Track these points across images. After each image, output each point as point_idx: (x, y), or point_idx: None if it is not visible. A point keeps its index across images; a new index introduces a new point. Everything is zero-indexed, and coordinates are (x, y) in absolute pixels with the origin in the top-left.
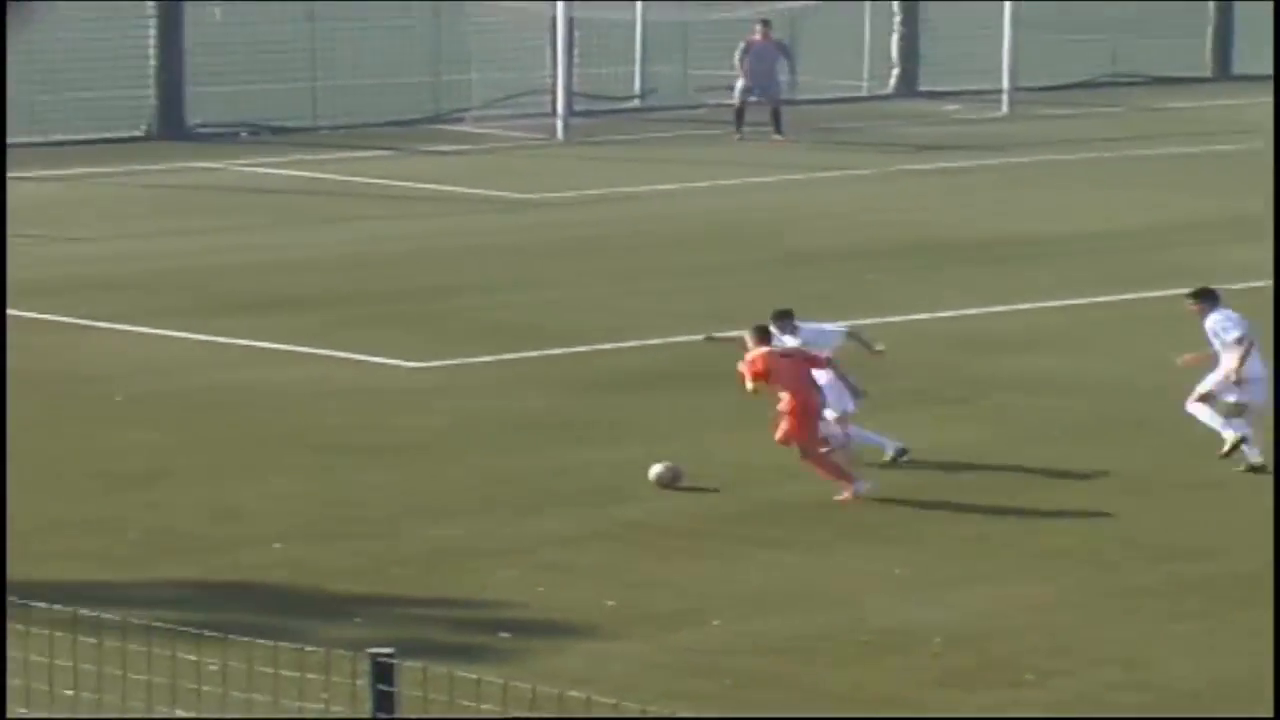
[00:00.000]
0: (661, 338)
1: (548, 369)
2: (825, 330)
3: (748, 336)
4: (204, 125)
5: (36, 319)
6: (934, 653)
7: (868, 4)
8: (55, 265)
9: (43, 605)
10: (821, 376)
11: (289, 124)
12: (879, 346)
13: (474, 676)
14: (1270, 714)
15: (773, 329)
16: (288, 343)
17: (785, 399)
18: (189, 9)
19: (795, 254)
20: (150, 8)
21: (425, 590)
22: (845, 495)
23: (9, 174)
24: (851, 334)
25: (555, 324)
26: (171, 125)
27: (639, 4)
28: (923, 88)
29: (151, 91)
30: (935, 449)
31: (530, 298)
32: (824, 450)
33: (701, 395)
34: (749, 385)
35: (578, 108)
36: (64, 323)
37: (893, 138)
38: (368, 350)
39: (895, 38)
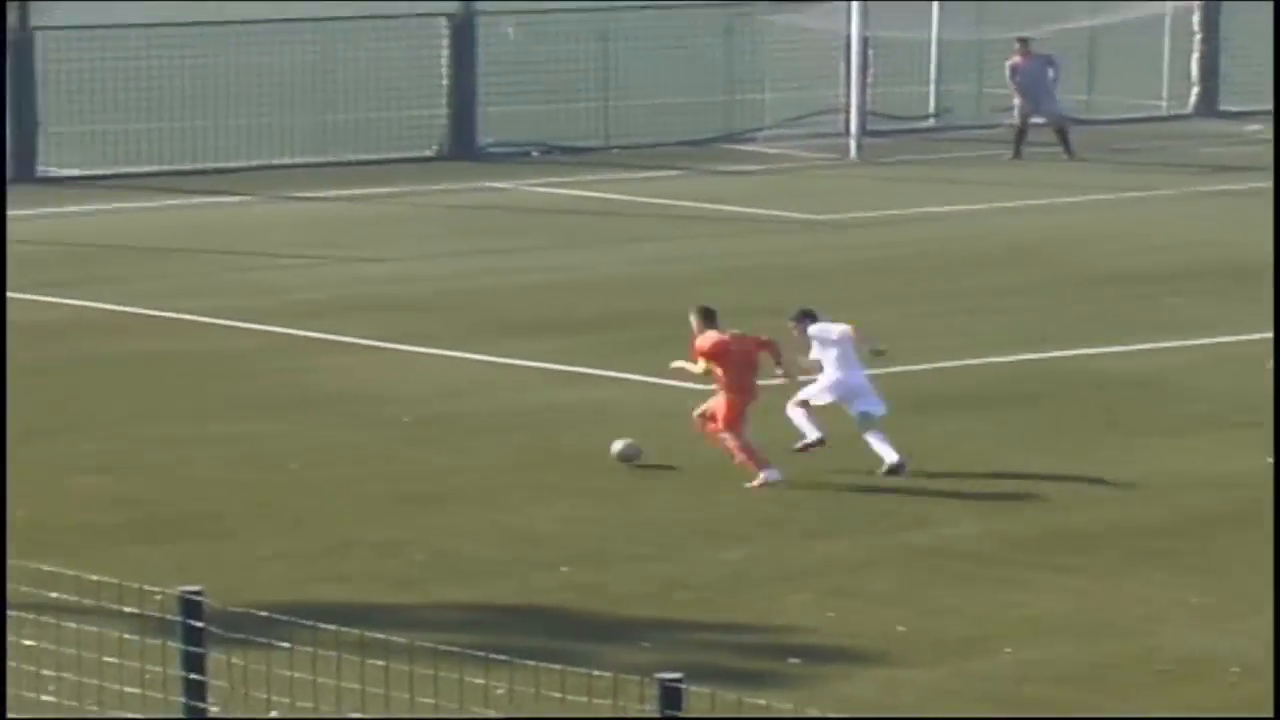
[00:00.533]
0: (958, 360)
1: None
2: (829, 328)
3: (694, 318)
4: (495, 144)
5: (325, 339)
6: (1230, 683)
7: (1167, 22)
8: (344, 286)
9: (331, 628)
10: (831, 371)
11: (580, 144)
12: (881, 346)
13: (763, 702)
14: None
15: (793, 326)
16: (576, 364)
17: (724, 378)
18: (482, 27)
19: (1094, 275)
20: (443, 26)
21: (713, 614)
22: (757, 483)
23: (303, 192)
24: (854, 334)
25: None
26: (463, 144)
27: (934, 22)
28: (1223, 107)
29: (443, 111)
30: (1233, 473)
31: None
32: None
33: (997, 418)
34: (698, 366)
35: (871, 127)
36: (353, 343)
37: (1192, 158)
38: (655, 372)
39: (1195, 56)
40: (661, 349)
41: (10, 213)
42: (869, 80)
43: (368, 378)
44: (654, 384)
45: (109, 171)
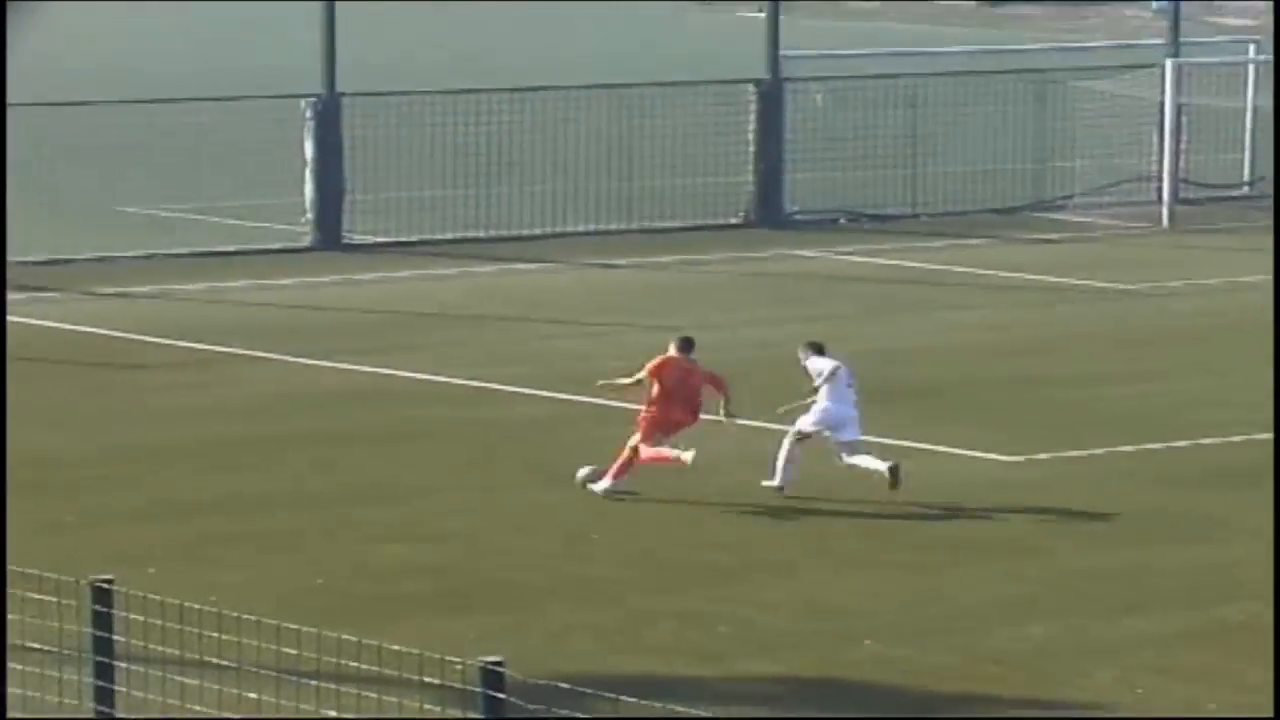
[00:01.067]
0: (1270, 432)
1: (1148, 462)
2: (822, 363)
3: (671, 343)
4: (801, 212)
5: (628, 409)
6: None
7: None
8: (648, 354)
9: (633, 700)
10: (823, 400)
11: (887, 211)
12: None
13: None
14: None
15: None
16: (881, 434)
17: (656, 393)
18: (790, 94)
19: None
20: (750, 93)
21: (1019, 690)
22: (605, 483)
23: (606, 259)
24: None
25: (1157, 416)
26: (769, 212)
27: (1249, 89)
28: None
29: (749, 178)
30: None
31: (1130, 389)
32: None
33: None
34: (639, 375)
35: (1183, 195)
36: None
37: None
38: (961, 442)
39: None
40: (966, 419)
41: (316, 279)
42: (1182, 147)
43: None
44: (957, 454)
45: (414, 238)
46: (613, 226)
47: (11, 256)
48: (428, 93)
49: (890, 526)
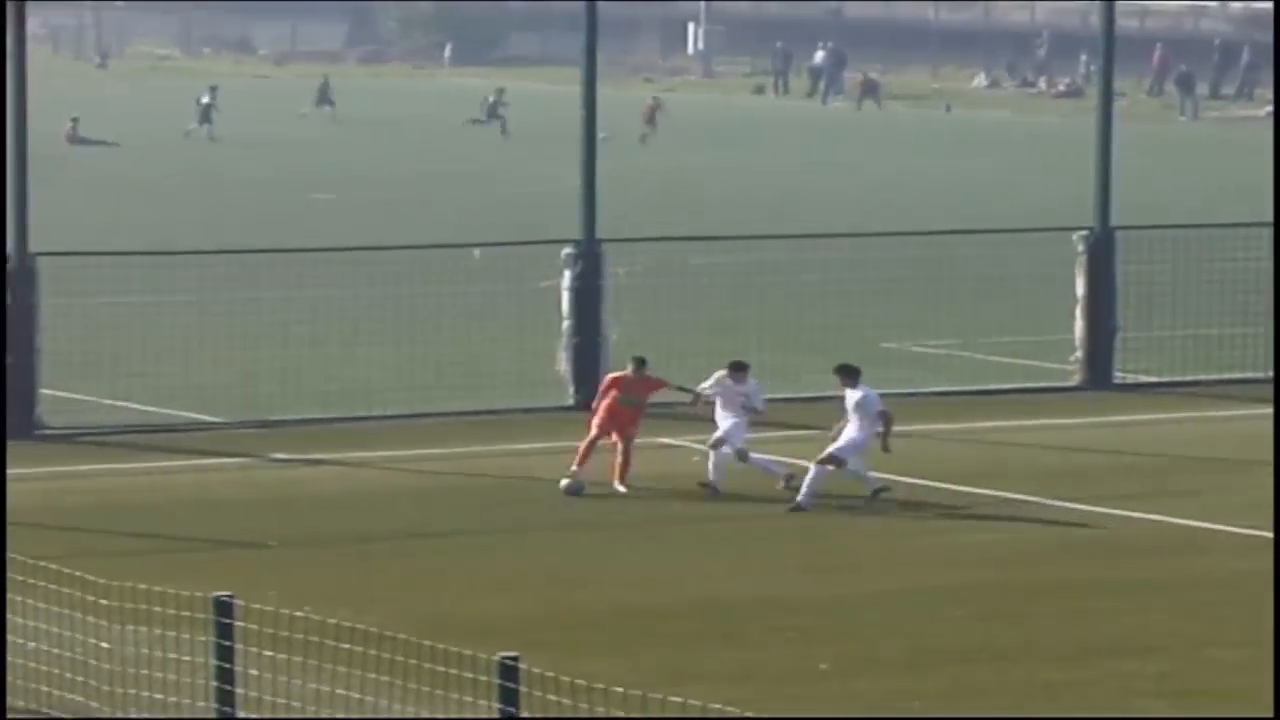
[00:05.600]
0: None
1: None
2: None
3: (630, 362)
4: None
5: None
6: None
7: None
8: None
9: None
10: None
11: None
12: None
13: None
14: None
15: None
16: None
17: (608, 402)
18: None
19: None
20: None
21: None
22: (574, 469)
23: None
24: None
25: None
26: None
27: None
28: None
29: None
30: None
31: None
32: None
33: None
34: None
35: None
36: None
37: None
38: None
39: None
40: None
41: (1082, 420)
42: None
43: None
44: None
45: (1185, 378)
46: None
47: (767, 393)
48: (1200, 226)
49: None
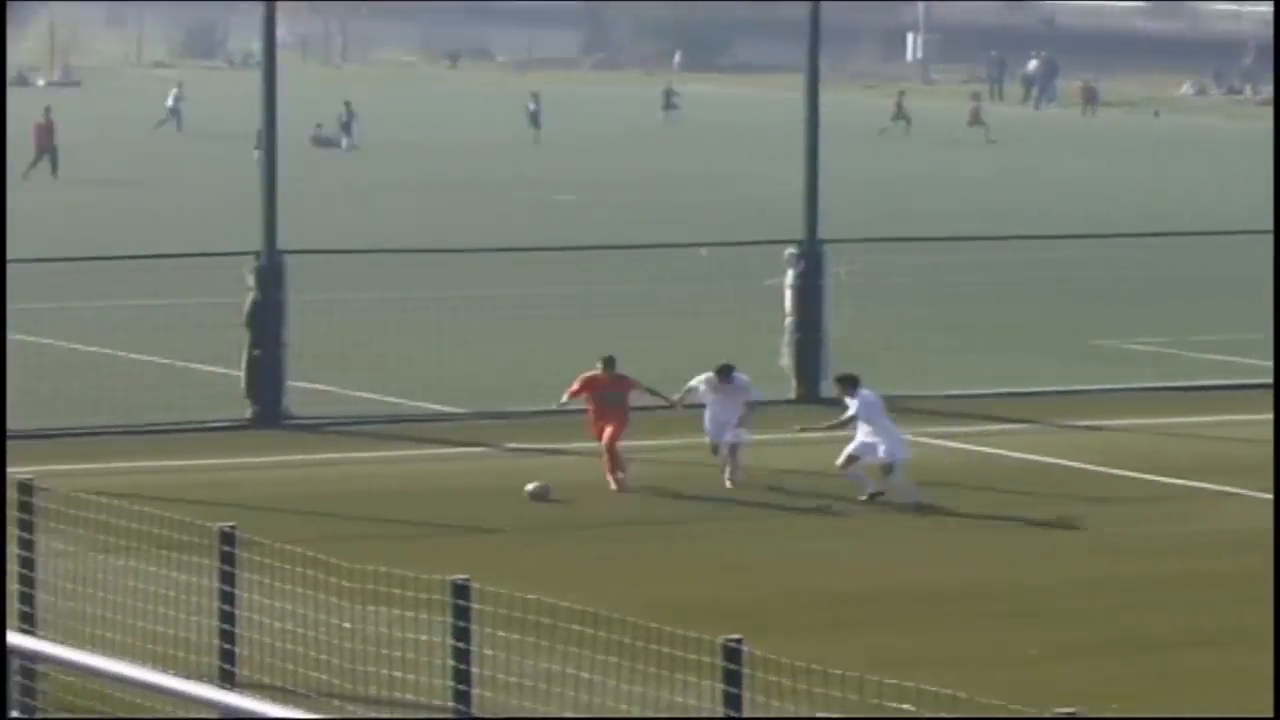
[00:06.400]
0: None
1: None
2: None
3: (600, 361)
4: None
5: None
6: None
7: None
8: None
9: None
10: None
11: None
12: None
13: None
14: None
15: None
16: None
17: (596, 405)
18: None
19: None
20: None
21: None
22: (608, 478)
23: None
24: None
25: None
26: None
27: None
28: None
29: None
30: None
31: None
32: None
33: None
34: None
35: None
36: None
37: None
38: None
39: None
40: None
41: None
42: None
43: None
44: None
45: None
46: None
47: (979, 388)
48: None
49: None
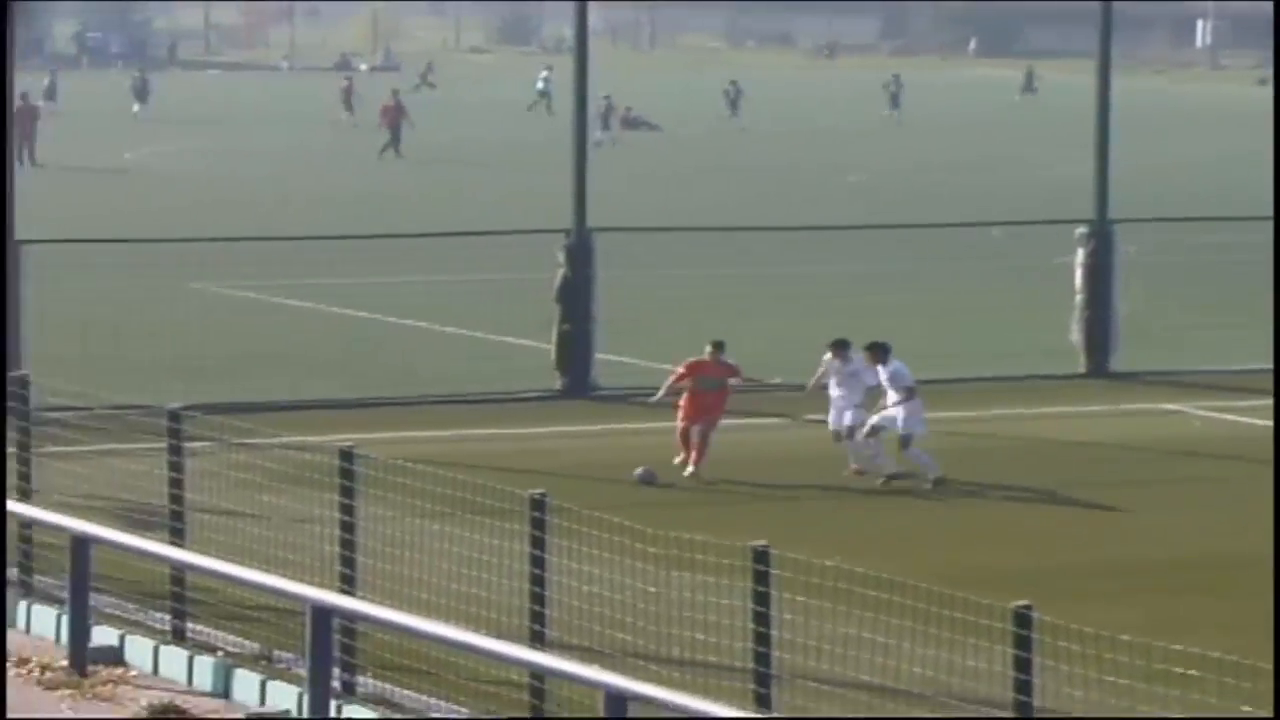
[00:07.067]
0: None
1: None
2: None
3: (709, 345)
4: None
5: None
6: None
7: None
8: None
9: None
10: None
11: None
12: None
13: None
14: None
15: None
16: None
17: (691, 390)
18: None
19: None
20: None
21: None
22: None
23: None
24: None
25: None
26: None
27: None
28: None
29: None
30: None
31: None
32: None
33: None
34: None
35: None
36: None
37: None
38: None
39: None
40: None
41: None
42: None
43: None
44: None
45: None
46: None
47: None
48: None
49: None
